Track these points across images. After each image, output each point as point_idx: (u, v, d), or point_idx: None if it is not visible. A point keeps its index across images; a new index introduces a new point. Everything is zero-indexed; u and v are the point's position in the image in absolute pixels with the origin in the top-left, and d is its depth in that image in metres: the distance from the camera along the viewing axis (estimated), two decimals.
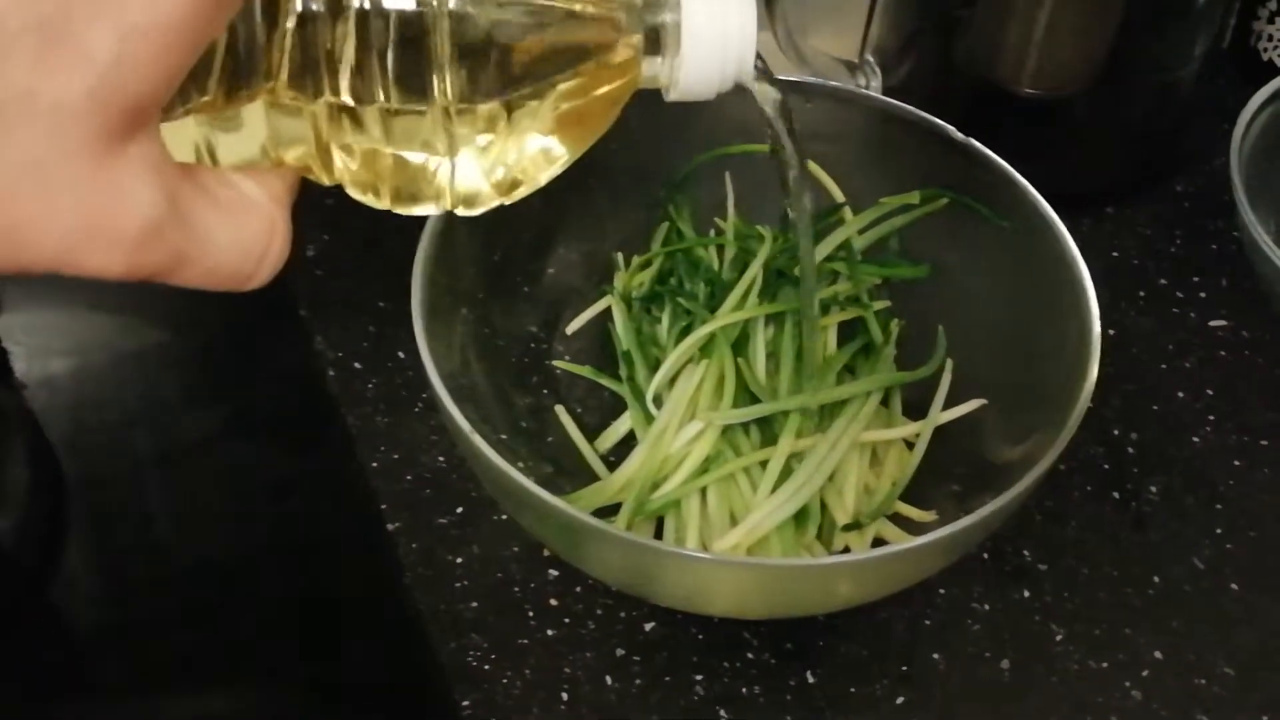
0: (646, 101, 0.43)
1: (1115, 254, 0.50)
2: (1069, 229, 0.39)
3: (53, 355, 0.46)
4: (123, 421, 0.45)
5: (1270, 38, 0.55)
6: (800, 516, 0.37)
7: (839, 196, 0.43)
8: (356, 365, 0.45)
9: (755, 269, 0.41)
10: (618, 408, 0.42)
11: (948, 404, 0.40)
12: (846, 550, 0.38)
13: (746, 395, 0.40)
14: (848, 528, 0.37)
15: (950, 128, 0.41)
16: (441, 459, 0.42)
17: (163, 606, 0.39)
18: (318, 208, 0.50)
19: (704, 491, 0.38)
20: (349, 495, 0.42)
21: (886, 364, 0.41)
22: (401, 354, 0.46)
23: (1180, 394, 0.45)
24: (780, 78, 0.43)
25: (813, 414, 0.39)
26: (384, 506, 0.41)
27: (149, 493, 0.42)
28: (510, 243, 0.43)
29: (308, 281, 0.48)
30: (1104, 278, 0.49)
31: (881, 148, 0.43)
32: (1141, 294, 0.48)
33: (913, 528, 0.38)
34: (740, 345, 0.41)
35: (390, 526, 0.41)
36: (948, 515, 0.39)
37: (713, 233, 0.45)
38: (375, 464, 0.42)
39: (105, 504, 0.42)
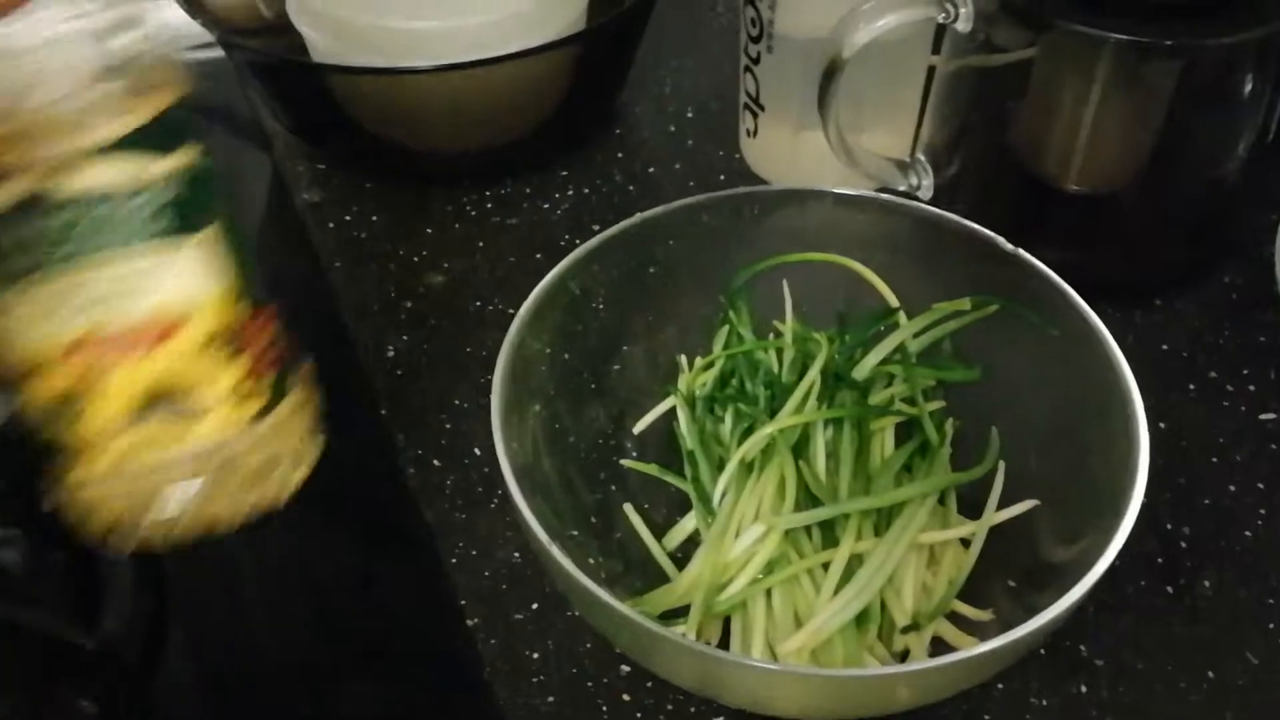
0: (710, 212, 0.46)
1: (1165, 346, 0.51)
2: (1118, 321, 0.41)
3: None
4: None
5: None
6: (861, 617, 0.38)
7: (894, 301, 0.45)
8: (435, 462, 0.48)
9: (814, 374, 0.43)
10: (683, 502, 0.44)
11: (1002, 502, 0.42)
12: (906, 650, 0.39)
13: (807, 495, 0.42)
14: (907, 629, 0.38)
15: (1000, 239, 0.43)
16: (517, 554, 0.45)
17: (254, 703, 0.42)
18: (397, 310, 0.53)
19: (768, 592, 0.39)
20: (429, 590, 0.44)
21: (942, 464, 0.43)
22: (477, 450, 0.48)
23: (1231, 487, 0.46)
24: (837, 191, 0.45)
25: (872, 514, 0.40)
26: (463, 602, 0.43)
27: (240, 593, 0.45)
28: (580, 343, 0.45)
29: (387, 381, 0.51)
30: (1154, 370, 0.50)
31: (934, 256, 0.45)
32: (1191, 386, 0.50)
33: (970, 626, 0.40)
34: (800, 447, 0.42)
35: (470, 622, 0.43)
36: (1004, 612, 0.40)
37: (771, 336, 0.47)
38: (454, 559, 0.45)
39: (200, 598, 0.44)
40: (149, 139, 0.27)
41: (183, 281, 0.28)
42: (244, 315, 0.31)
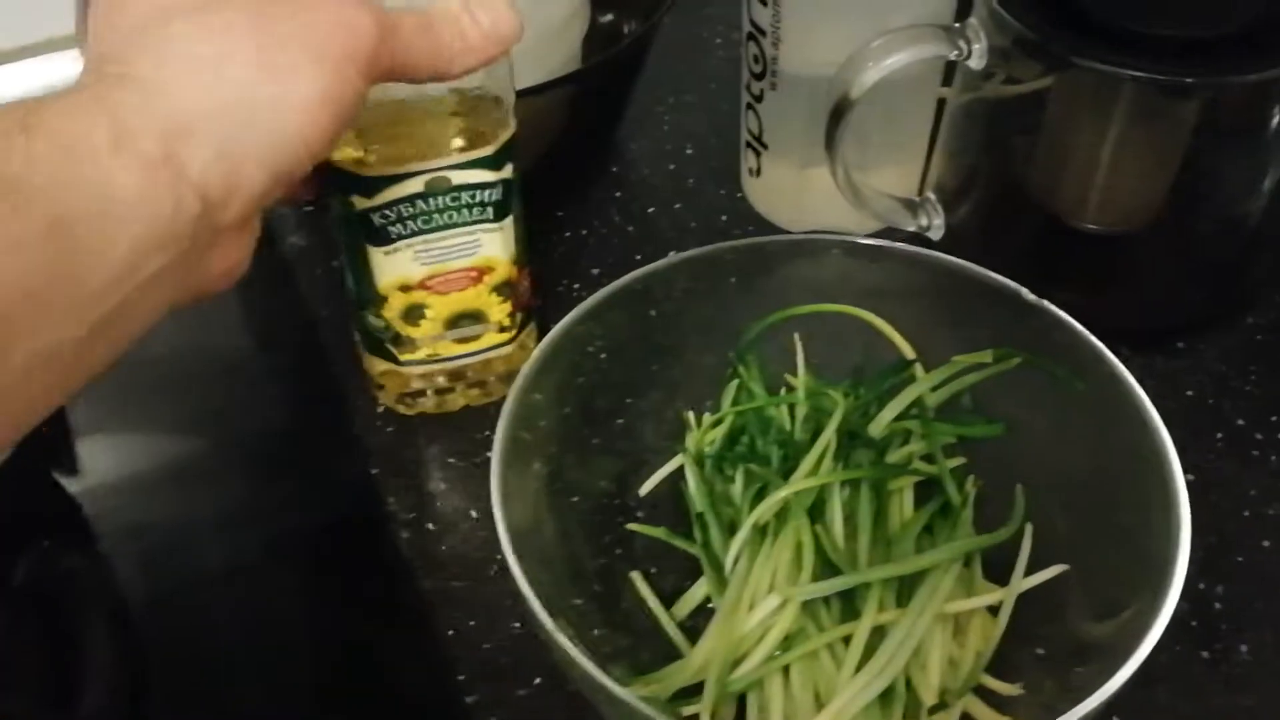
0: (718, 263, 0.44)
1: (1190, 392, 0.49)
2: (1140, 365, 0.39)
3: (124, 518, 0.47)
4: (197, 587, 0.45)
5: None
6: (885, 696, 0.36)
7: (910, 354, 0.43)
8: (430, 526, 0.46)
9: (829, 433, 0.41)
10: (693, 568, 0.42)
11: (1030, 567, 0.40)
12: None
13: (824, 562, 0.39)
14: (935, 709, 0.36)
15: (1023, 289, 0.41)
16: (517, 625, 0.42)
17: None
18: None
19: (786, 669, 0.37)
20: (426, 664, 0.42)
21: (965, 527, 0.41)
22: (474, 513, 0.46)
23: (1265, 543, 0.44)
24: (854, 239, 0.44)
25: (893, 582, 0.38)
26: (461, 677, 0.41)
27: (228, 661, 0.43)
28: (582, 396, 0.43)
29: (378, 439, 0.48)
30: (1178, 418, 0.48)
31: (953, 306, 0.43)
32: (1219, 436, 0.48)
33: (998, 702, 0.38)
34: (816, 510, 0.40)
35: (469, 699, 0.41)
36: (1034, 686, 0.38)
37: (783, 390, 0.45)
38: (451, 631, 0.42)
39: (185, 672, 0.42)
40: (489, 161, 0.42)
41: (492, 249, 0.44)
42: (517, 274, 0.46)
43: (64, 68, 0.65)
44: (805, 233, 0.45)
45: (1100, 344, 0.40)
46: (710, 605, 0.41)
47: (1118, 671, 0.32)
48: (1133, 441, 0.38)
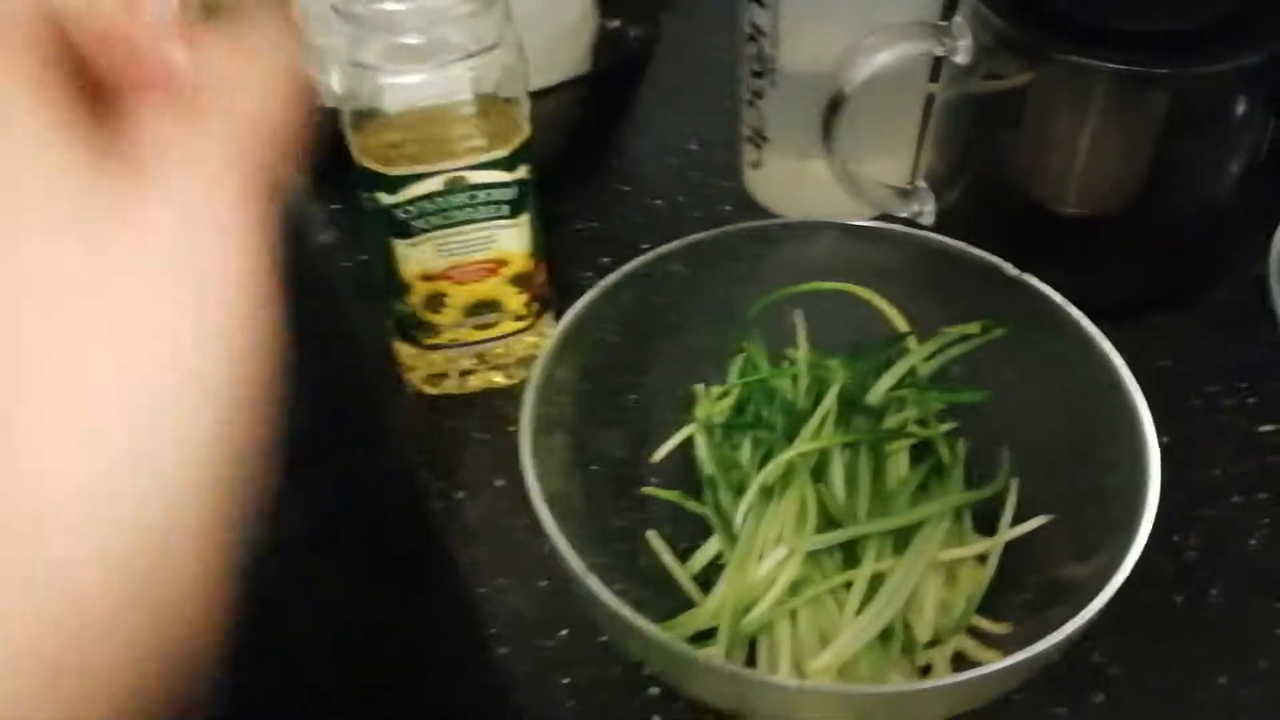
0: (722, 246, 0.47)
1: (1164, 363, 0.53)
2: (1118, 339, 0.43)
3: None
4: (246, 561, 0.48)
5: None
6: (885, 635, 0.40)
7: (903, 327, 0.47)
8: (458, 495, 0.49)
9: (830, 399, 0.44)
10: (704, 529, 0.46)
11: (1015, 519, 0.43)
12: (929, 665, 0.40)
13: (826, 518, 0.43)
14: (930, 645, 0.40)
15: (1005, 264, 0.45)
16: (543, 583, 0.46)
17: None
18: None
19: (793, 613, 0.41)
20: (459, 623, 0.45)
21: (956, 484, 0.44)
22: (499, 482, 0.49)
23: (1235, 498, 0.47)
24: (849, 222, 0.47)
25: (890, 535, 0.42)
26: (493, 631, 0.44)
27: (266, 630, 0.46)
28: (599, 374, 0.47)
29: (408, 418, 0.52)
30: (1154, 386, 0.51)
31: (942, 282, 0.46)
32: (1194, 401, 0.51)
33: (989, 640, 0.41)
34: (818, 471, 0.44)
35: (501, 651, 0.44)
36: (1021, 625, 0.41)
37: (785, 364, 0.48)
38: (482, 590, 0.46)
39: (243, 640, 0.45)
40: (506, 161, 0.45)
41: (507, 243, 0.47)
42: (532, 266, 0.49)
43: None
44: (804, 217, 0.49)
45: (1078, 312, 0.43)
46: (721, 562, 0.44)
47: (1090, 605, 0.35)
48: (1108, 401, 0.41)
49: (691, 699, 0.42)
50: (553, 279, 0.52)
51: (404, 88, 0.43)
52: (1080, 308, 0.44)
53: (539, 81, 0.53)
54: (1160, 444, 0.49)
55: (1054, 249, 0.55)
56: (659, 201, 0.61)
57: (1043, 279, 0.45)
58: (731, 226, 0.47)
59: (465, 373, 0.52)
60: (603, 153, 0.63)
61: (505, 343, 0.51)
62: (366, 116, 0.44)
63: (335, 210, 0.61)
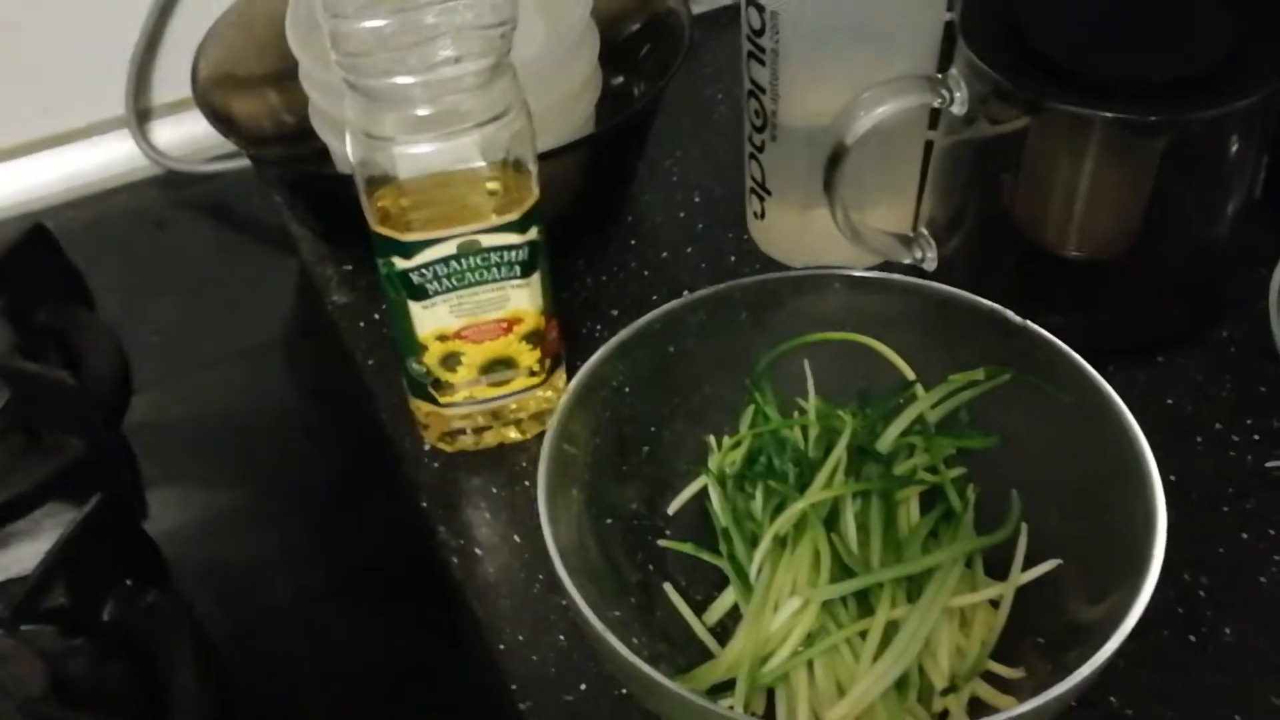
0: (731, 300, 0.48)
1: (1170, 401, 0.53)
2: (1123, 379, 0.43)
3: (198, 557, 0.51)
4: (268, 623, 0.49)
5: None
6: (901, 683, 0.40)
7: (910, 375, 0.47)
8: (477, 552, 0.50)
9: (840, 449, 0.45)
10: (720, 579, 0.46)
11: (1026, 563, 0.44)
12: (945, 711, 0.41)
13: (840, 567, 0.43)
14: (946, 691, 0.40)
15: (1009, 312, 0.46)
16: (562, 637, 0.46)
17: None
18: None
19: (810, 663, 0.41)
20: (480, 678, 0.46)
21: (966, 529, 0.45)
22: (517, 538, 0.50)
23: (1244, 535, 0.48)
24: (854, 273, 0.48)
25: (904, 581, 0.42)
26: (514, 687, 0.45)
27: (301, 690, 0.47)
28: (613, 428, 0.48)
29: (426, 475, 0.53)
30: (1159, 425, 0.52)
31: (947, 330, 0.47)
32: (1199, 439, 0.52)
33: (1004, 685, 0.42)
34: (831, 520, 0.44)
35: (522, 705, 0.44)
36: (1035, 669, 0.42)
37: (795, 414, 0.49)
38: (502, 646, 0.46)
39: (261, 703, 0.46)
40: (517, 224, 0.46)
41: (520, 302, 0.49)
42: (544, 324, 0.50)
43: (113, 150, 0.70)
44: (808, 269, 0.50)
45: (1079, 358, 0.44)
46: (738, 613, 0.45)
47: (1104, 648, 0.36)
48: (1114, 445, 0.42)
49: None
50: (564, 333, 0.53)
51: (417, 156, 0.44)
52: (1085, 349, 0.45)
53: (547, 142, 0.55)
54: (1168, 483, 0.49)
55: (1057, 292, 0.56)
56: (665, 254, 0.62)
57: (1046, 322, 0.46)
58: (738, 281, 0.48)
59: (480, 429, 0.52)
60: (611, 207, 0.65)
61: (519, 399, 0.52)
62: (380, 183, 0.45)
63: (350, 271, 0.62)
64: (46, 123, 0.69)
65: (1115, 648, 0.36)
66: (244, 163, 0.67)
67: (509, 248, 0.46)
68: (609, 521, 0.47)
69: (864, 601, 0.43)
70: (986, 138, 0.54)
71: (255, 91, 0.63)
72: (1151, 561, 0.37)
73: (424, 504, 0.52)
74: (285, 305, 0.64)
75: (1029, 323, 0.45)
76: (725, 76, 0.71)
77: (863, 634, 0.41)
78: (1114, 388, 0.43)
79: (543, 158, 0.53)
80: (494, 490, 0.52)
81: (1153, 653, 0.45)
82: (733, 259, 0.62)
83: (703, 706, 0.37)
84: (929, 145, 0.59)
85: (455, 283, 0.47)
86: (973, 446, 0.46)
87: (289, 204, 0.64)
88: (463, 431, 0.53)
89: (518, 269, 0.47)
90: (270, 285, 0.65)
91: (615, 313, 0.59)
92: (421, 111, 0.43)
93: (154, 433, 0.56)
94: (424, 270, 0.46)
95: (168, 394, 0.59)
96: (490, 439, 0.53)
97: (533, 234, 0.47)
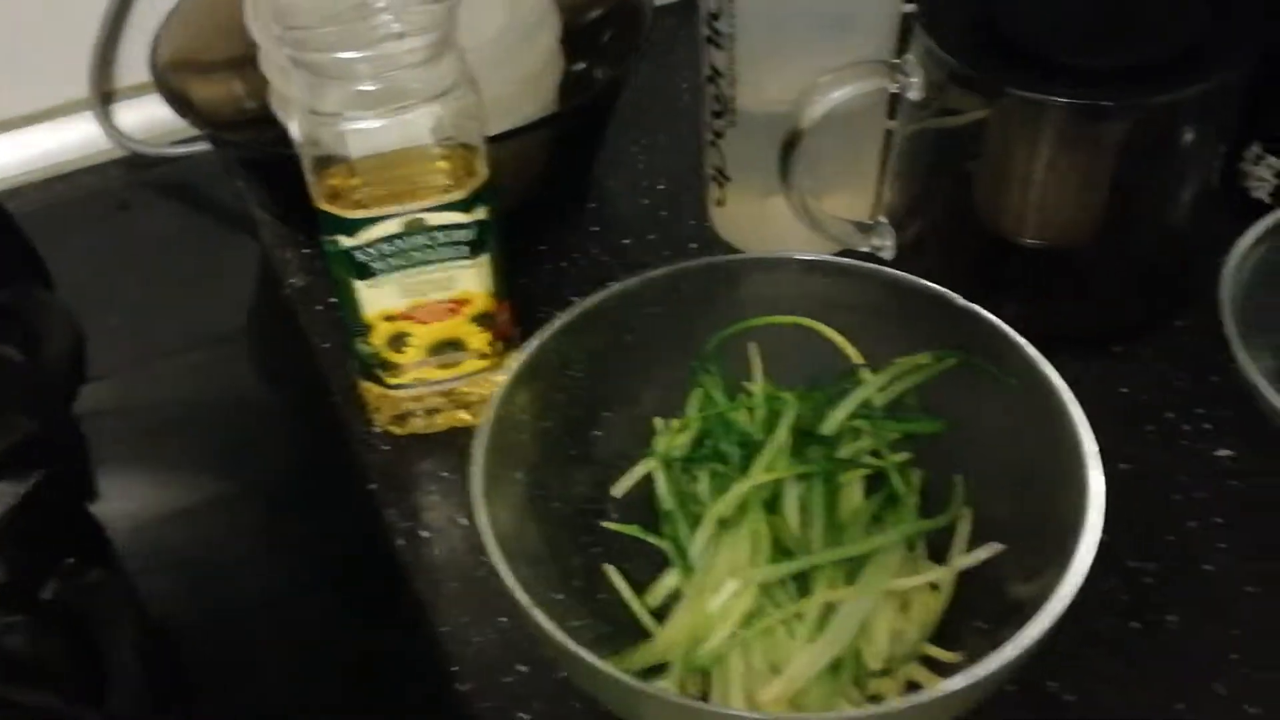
0: (681, 282, 0.48)
1: (1124, 390, 0.53)
2: (1078, 368, 0.43)
3: (147, 539, 0.51)
4: (215, 603, 0.49)
5: (1258, 178, 0.59)
6: (836, 664, 0.40)
7: (857, 359, 0.47)
8: (424, 534, 0.50)
9: (783, 430, 0.45)
10: (665, 562, 0.46)
11: (969, 547, 0.44)
12: (881, 695, 0.41)
13: (781, 549, 0.43)
14: (880, 674, 0.40)
15: (954, 295, 0.45)
16: (505, 619, 0.46)
17: None
18: None
19: (746, 645, 0.41)
20: (422, 659, 0.46)
21: (910, 513, 0.44)
22: (463, 520, 0.50)
23: (1191, 523, 0.48)
24: (800, 257, 0.48)
25: (844, 564, 0.42)
26: (455, 668, 0.45)
27: (240, 669, 0.46)
28: (560, 411, 0.47)
29: (376, 457, 0.52)
30: (1114, 414, 0.52)
31: (895, 314, 0.47)
32: (1150, 428, 0.51)
33: (943, 669, 0.41)
34: (773, 502, 0.44)
35: (462, 687, 0.44)
36: (975, 654, 0.41)
37: (743, 396, 0.49)
38: (445, 628, 0.46)
39: (203, 682, 0.46)
40: (463, 203, 0.46)
41: (468, 283, 0.48)
42: (495, 306, 0.50)
43: (76, 132, 0.70)
44: (757, 253, 0.49)
45: (1022, 340, 0.43)
46: (681, 595, 0.44)
47: (1035, 624, 0.35)
48: (1054, 425, 0.42)
49: None
50: (522, 317, 0.53)
51: (362, 134, 0.44)
52: (1042, 338, 0.44)
53: (506, 125, 0.54)
54: (1118, 471, 0.49)
55: (1015, 281, 0.56)
56: (628, 241, 0.62)
57: (1004, 311, 0.46)
58: (689, 262, 0.48)
59: (432, 412, 0.52)
60: (573, 193, 0.64)
61: (470, 381, 0.51)
62: (326, 161, 0.45)
63: (309, 255, 0.62)
64: (9, 104, 0.69)
65: (1046, 626, 0.35)
66: (208, 146, 0.67)
67: (456, 227, 0.46)
68: (555, 505, 0.47)
69: (804, 584, 0.42)
70: (945, 125, 0.53)
71: (217, 76, 0.63)
72: (1084, 537, 0.37)
73: (373, 487, 0.51)
74: (246, 289, 0.64)
75: (974, 305, 0.45)
76: (693, 66, 0.70)
77: (801, 616, 0.41)
78: (1069, 376, 0.42)
79: (502, 138, 0.53)
80: (444, 474, 0.52)
81: (1096, 639, 0.44)
82: (694, 246, 0.62)
83: (633, 687, 0.36)
84: (889, 134, 0.58)
85: (401, 262, 0.47)
86: (918, 431, 0.46)
87: (250, 186, 0.64)
88: (414, 414, 0.52)
89: (465, 249, 0.47)
90: (232, 269, 0.65)
91: (574, 298, 0.58)
92: (366, 87, 0.43)
93: (113, 417, 0.56)
94: (369, 249, 0.46)
95: (127, 378, 0.58)
96: (441, 422, 0.53)
97: (480, 214, 0.47)
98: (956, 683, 0.35)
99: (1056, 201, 0.53)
